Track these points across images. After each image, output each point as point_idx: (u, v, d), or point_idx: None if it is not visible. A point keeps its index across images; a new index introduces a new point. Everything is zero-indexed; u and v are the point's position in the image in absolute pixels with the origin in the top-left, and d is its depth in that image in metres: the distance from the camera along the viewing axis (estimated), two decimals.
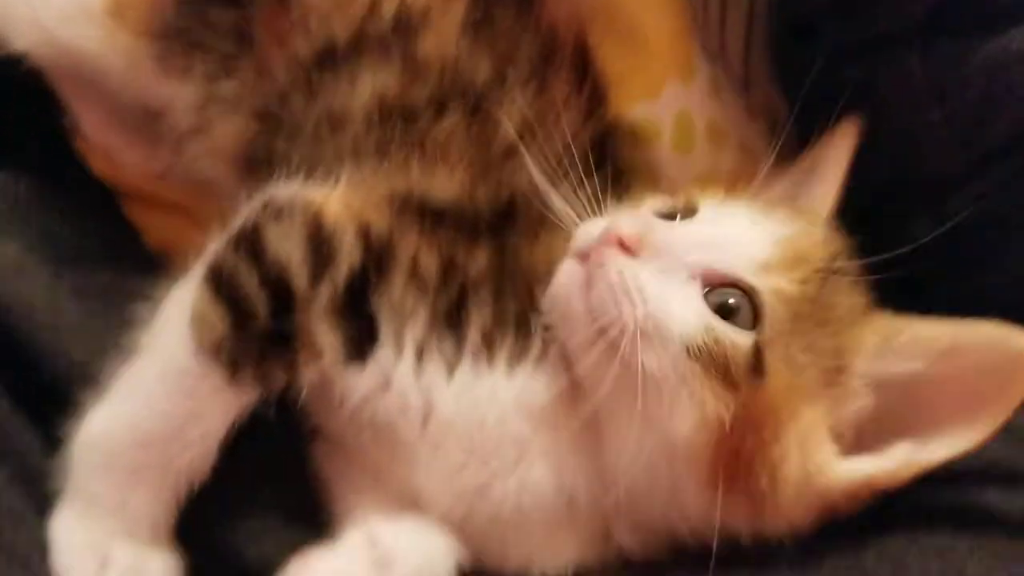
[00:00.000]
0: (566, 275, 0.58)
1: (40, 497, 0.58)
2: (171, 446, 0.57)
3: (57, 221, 0.72)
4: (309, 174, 0.62)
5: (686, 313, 0.55)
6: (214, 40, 0.70)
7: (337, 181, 0.62)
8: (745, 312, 0.56)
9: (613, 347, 0.55)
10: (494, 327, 0.60)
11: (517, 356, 0.60)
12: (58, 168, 0.76)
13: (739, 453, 0.55)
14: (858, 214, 0.64)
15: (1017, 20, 0.65)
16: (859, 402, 0.58)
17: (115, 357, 0.59)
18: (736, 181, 0.67)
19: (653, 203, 0.63)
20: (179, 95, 0.71)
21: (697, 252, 0.57)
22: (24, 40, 0.70)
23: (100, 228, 0.75)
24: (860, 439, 0.57)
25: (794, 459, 0.55)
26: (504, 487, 0.59)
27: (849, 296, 0.59)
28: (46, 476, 0.59)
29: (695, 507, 0.56)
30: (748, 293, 0.56)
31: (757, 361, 0.55)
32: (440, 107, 0.66)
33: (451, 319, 0.60)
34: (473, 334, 0.60)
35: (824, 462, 0.56)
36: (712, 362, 0.55)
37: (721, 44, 0.78)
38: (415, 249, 0.60)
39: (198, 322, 0.56)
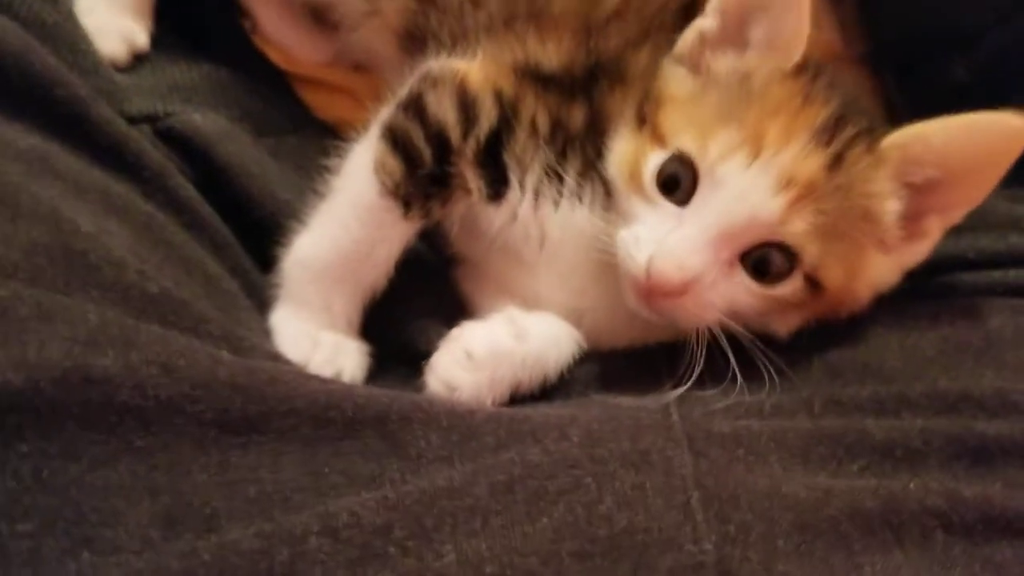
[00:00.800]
0: (634, 301, 0.69)
1: (258, 302, 0.75)
2: (363, 263, 0.73)
3: (250, 99, 0.88)
4: (454, 48, 0.77)
5: (745, 298, 0.67)
6: None
7: (475, 53, 0.76)
8: (780, 256, 0.66)
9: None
10: (583, 171, 0.74)
11: (596, 197, 0.74)
12: (245, 59, 0.92)
13: (822, 313, 0.70)
14: (903, 64, 0.77)
15: None
16: (892, 216, 0.69)
17: (311, 198, 0.76)
18: None
19: (654, 159, 0.69)
20: None
21: (723, 246, 0.66)
22: None
23: (283, 105, 0.91)
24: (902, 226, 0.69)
25: (863, 290, 0.70)
26: (597, 289, 0.74)
27: (860, 154, 0.67)
28: (262, 288, 0.76)
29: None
30: (779, 247, 0.66)
31: (813, 284, 0.67)
32: None
33: (556, 167, 0.74)
34: (570, 178, 0.74)
35: (883, 275, 0.70)
36: (781, 306, 0.68)
37: None
38: (533, 110, 0.75)
39: (380, 169, 0.72)
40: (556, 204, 0.75)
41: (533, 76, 0.76)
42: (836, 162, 0.66)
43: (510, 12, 0.79)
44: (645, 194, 0.70)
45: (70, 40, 0.81)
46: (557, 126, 0.75)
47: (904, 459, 0.59)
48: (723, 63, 0.71)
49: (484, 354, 0.69)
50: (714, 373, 0.67)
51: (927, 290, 0.74)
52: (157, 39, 0.90)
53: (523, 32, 0.78)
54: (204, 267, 0.72)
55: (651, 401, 0.66)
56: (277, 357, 0.68)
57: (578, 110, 0.76)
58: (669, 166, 0.68)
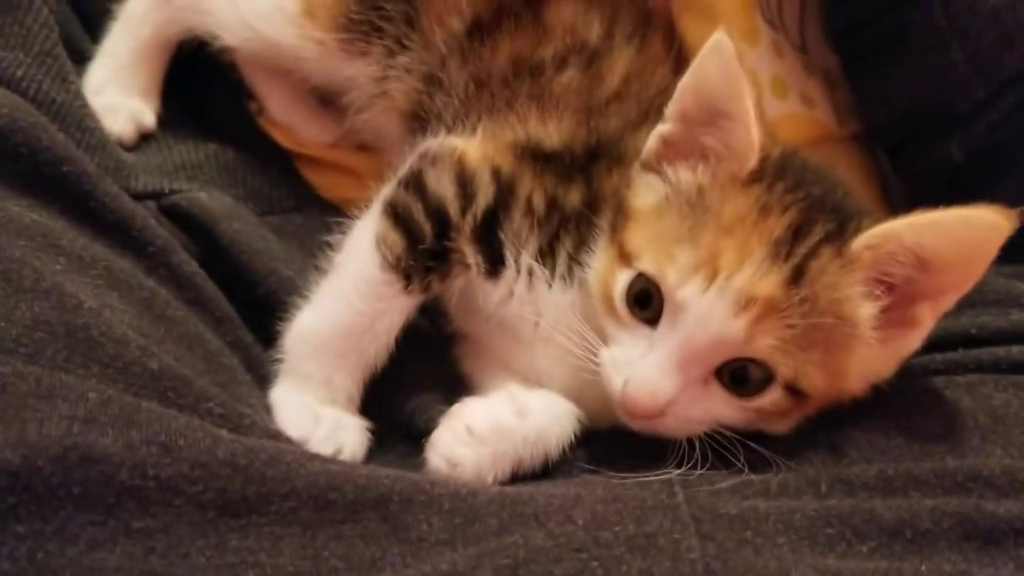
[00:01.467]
0: (622, 417, 0.69)
1: (259, 377, 0.75)
2: (364, 336, 0.74)
3: (255, 179, 0.91)
4: (455, 127, 0.79)
5: (726, 410, 0.67)
6: (388, 26, 0.85)
7: (475, 132, 0.78)
8: (756, 368, 0.65)
9: None
10: (575, 253, 0.75)
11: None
12: (250, 139, 0.94)
13: (816, 410, 0.69)
14: (897, 143, 0.77)
15: None
16: (869, 317, 0.66)
17: (314, 274, 0.77)
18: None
19: (621, 279, 0.69)
20: (362, 72, 0.87)
21: (693, 366, 0.66)
22: (233, 37, 0.88)
23: (288, 184, 0.93)
24: (890, 315, 0.67)
25: (856, 385, 0.69)
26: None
27: (827, 261, 0.65)
28: (262, 363, 0.76)
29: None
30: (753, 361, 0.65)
31: (794, 392, 0.66)
32: (562, 63, 0.81)
33: (550, 247, 0.75)
34: (561, 260, 0.75)
35: (876, 367, 0.69)
36: (767, 415, 0.67)
37: (779, 14, 0.91)
38: (529, 189, 0.76)
39: (381, 244, 0.73)
40: (549, 285, 0.75)
41: (532, 155, 0.78)
42: (797, 275, 0.65)
43: (512, 93, 0.81)
44: (617, 316, 0.70)
45: (78, 118, 0.83)
46: (553, 205, 0.76)
47: (914, 540, 0.58)
48: (683, 174, 0.70)
49: (485, 430, 0.69)
50: (718, 452, 0.67)
51: (931, 367, 0.74)
52: (164, 119, 0.93)
53: (525, 111, 0.79)
54: (205, 343, 0.72)
55: (654, 479, 0.65)
56: (277, 434, 0.67)
57: (575, 190, 0.77)
58: (637, 284, 0.69)
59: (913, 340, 0.68)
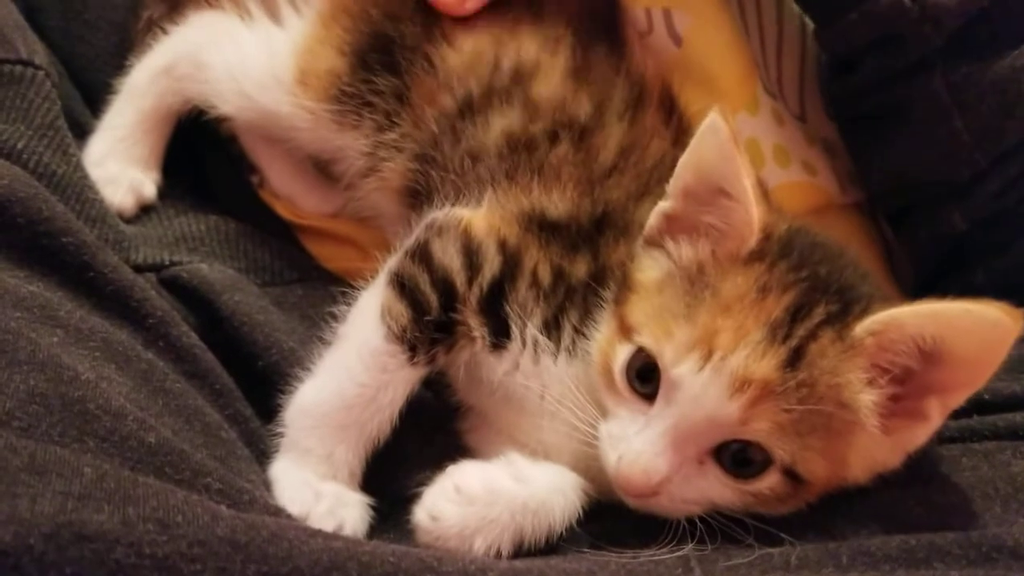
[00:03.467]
0: (619, 493, 0.68)
1: (258, 452, 0.74)
2: (367, 409, 0.72)
3: (257, 250, 0.91)
4: (458, 199, 0.79)
5: (722, 492, 0.65)
6: (379, 101, 0.85)
7: (479, 203, 0.78)
8: (757, 450, 0.63)
9: None
10: (580, 325, 0.74)
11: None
12: (252, 211, 0.94)
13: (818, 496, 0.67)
14: (898, 211, 0.77)
15: (1018, 43, 0.78)
16: (869, 406, 0.63)
17: (316, 346, 0.76)
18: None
19: (622, 352, 0.68)
20: (352, 145, 0.87)
21: (688, 445, 0.64)
22: (229, 106, 0.89)
23: (290, 256, 0.93)
24: (897, 405, 0.64)
25: (859, 474, 0.67)
26: None
27: (827, 344, 0.63)
28: (262, 438, 0.75)
29: None
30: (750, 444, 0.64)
31: (794, 477, 0.64)
32: (554, 137, 0.80)
33: (556, 319, 0.74)
34: (567, 332, 0.74)
35: (880, 458, 0.66)
36: (764, 500, 0.65)
37: (779, 84, 0.92)
38: (535, 261, 0.75)
39: (387, 314, 0.73)
40: (554, 357, 0.74)
41: (539, 225, 0.77)
42: (795, 358, 0.63)
43: (511, 164, 0.80)
44: (616, 390, 0.69)
45: (78, 190, 0.83)
46: (559, 277, 0.75)
47: None
48: (685, 250, 0.70)
49: (475, 490, 0.67)
50: (729, 529, 0.65)
51: (945, 434, 0.72)
52: (165, 192, 0.93)
53: (527, 182, 0.79)
54: (203, 416, 0.70)
55: (668, 554, 0.63)
56: (278, 510, 0.65)
57: (581, 261, 0.76)
58: (637, 359, 0.68)
59: (919, 435, 0.65)
